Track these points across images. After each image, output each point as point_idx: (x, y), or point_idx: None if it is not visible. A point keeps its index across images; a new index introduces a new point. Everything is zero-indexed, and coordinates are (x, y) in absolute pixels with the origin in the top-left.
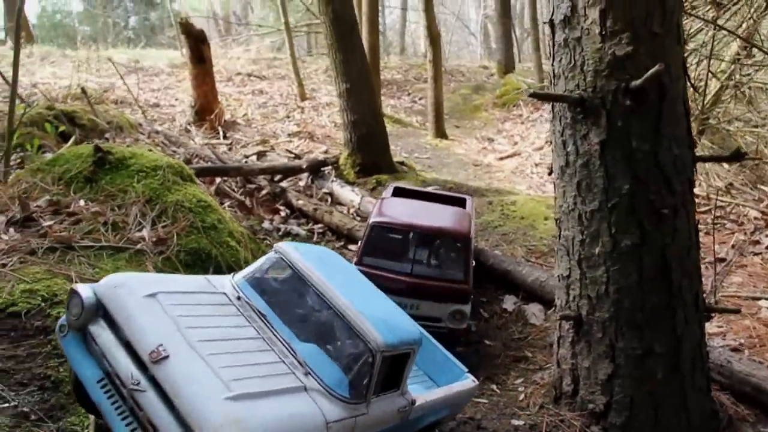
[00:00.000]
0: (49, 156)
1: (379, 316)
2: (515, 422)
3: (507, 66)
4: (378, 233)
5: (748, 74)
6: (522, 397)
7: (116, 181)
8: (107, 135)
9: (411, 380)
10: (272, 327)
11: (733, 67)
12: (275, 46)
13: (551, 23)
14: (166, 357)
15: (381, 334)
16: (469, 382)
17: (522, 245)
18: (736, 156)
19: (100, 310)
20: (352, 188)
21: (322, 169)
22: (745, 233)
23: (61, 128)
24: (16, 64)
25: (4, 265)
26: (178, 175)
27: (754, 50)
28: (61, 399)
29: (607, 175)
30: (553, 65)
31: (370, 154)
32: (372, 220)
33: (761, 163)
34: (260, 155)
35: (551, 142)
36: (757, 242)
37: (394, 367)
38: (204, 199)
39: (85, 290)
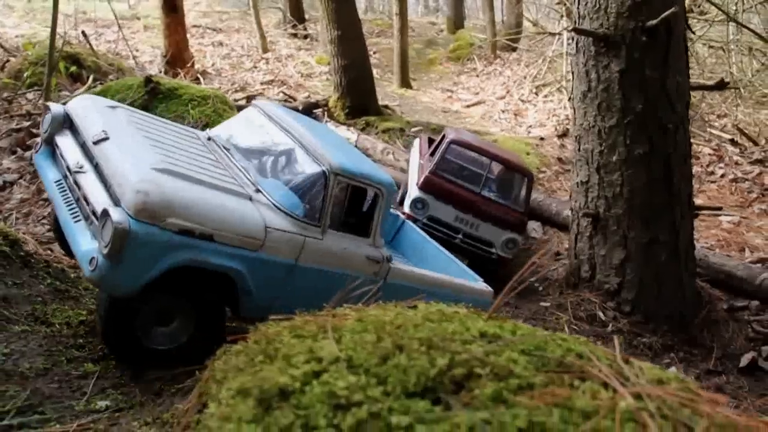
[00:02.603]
0: (76, 91)
1: (341, 150)
2: (543, 303)
3: (456, 22)
4: (454, 151)
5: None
6: (541, 288)
7: (171, 109)
8: (110, 76)
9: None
10: (233, 158)
11: None
12: None
13: None
14: (106, 138)
15: (336, 158)
16: (480, 283)
17: None
18: (720, 85)
19: (66, 122)
20: (347, 128)
21: (314, 111)
22: (702, 166)
23: (71, 69)
24: (55, 6)
25: None
26: (225, 104)
27: (706, 6)
28: None
29: (624, 97)
30: (578, 8)
31: (359, 97)
32: (450, 137)
33: (703, 113)
34: (249, 99)
35: (573, 72)
36: (712, 173)
37: (361, 209)
38: None
39: (54, 106)
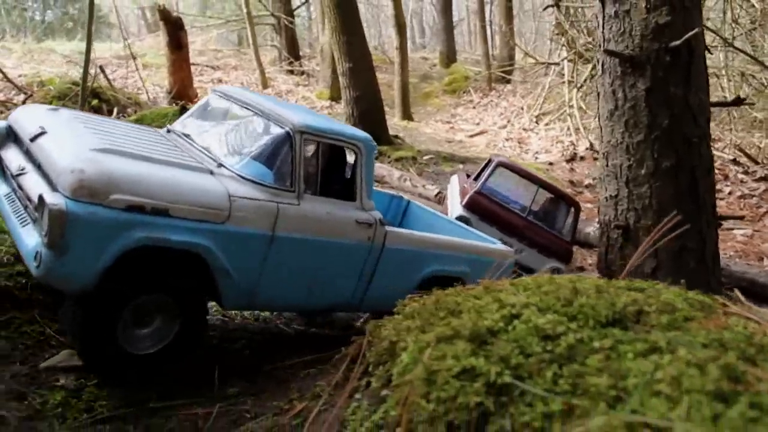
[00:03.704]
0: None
1: (308, 113)
2: None
3: (449, 56)
4: (500, 174)
5: None
6: None
7: None
8: (128, 110)
9: None
10: (194, 143)
11: None
12: (220, 38)
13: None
14: (43, 133)
15: (299, 117)
16: (499, 245)
17: None
18: (737, 102)
19: (11, 136)
20: None
21: None
22: None
23: (93, 102)
24: (89, 41)
25: None
26: None
27: None
28: None
29: (651, 113)
30: (603, 32)
31: (371, 127)
32: (497, 160)
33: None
34: None
35: (599, 93)
36: (720, 191)
37: (342, 174)
38: None
39: None
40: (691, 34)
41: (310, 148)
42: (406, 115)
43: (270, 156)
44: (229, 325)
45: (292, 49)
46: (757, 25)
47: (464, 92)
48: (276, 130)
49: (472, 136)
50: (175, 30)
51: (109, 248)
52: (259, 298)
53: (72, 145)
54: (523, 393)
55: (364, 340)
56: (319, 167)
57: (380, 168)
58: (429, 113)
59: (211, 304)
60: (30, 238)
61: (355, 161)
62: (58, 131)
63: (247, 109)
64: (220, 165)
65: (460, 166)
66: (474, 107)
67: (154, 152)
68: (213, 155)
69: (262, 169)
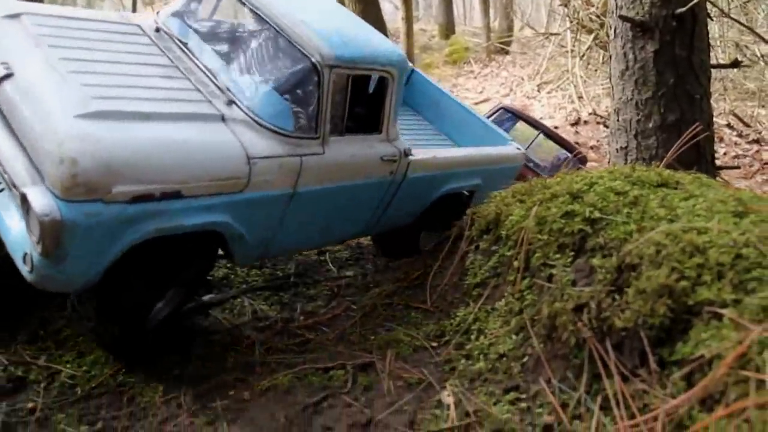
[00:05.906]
0: None
1: (333, 27)
2: None
3: (448, 28)
4: (503, 116)
5: None
6: None
7: None
8: None
9: (427, 142)
10: (194, 56)
11: None
12: None
13: None
14: (9, 75)
15: (328, 43)
16: (510, 147)
17: None
18: (734, 64)
19: None
20: None
21: None
22: None
23: None
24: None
25: None
26: None
27: None
28: None
29: (658, 72)
30: (615, 0)
31: None
32: (502, 104)
33: None
34: None
35: (611, 55)
36: (716, 151)
37: (366, 98)
38: None
39: None
40: (695, 2)
41: (339, 81)
42: None
43: (291, 91)
44: None
45: None
46: None
47: (465, 63)
48: (300, 60)
49: (477, 103)
50: None
51: (113, 246)
52: (273, 250)
53: (51, 106)
54: (608, 223)
55: (463, 223)
56: (347, 101)
57: None
58: None
59: None
60: (11, 219)
61: (384, 87)
62: (29, 73)
63: (262, 18)
64: (231, 102)
65: None
66: (475, 77)
67: (153, 97)
68: (220, 82)
69: (281, 106)
